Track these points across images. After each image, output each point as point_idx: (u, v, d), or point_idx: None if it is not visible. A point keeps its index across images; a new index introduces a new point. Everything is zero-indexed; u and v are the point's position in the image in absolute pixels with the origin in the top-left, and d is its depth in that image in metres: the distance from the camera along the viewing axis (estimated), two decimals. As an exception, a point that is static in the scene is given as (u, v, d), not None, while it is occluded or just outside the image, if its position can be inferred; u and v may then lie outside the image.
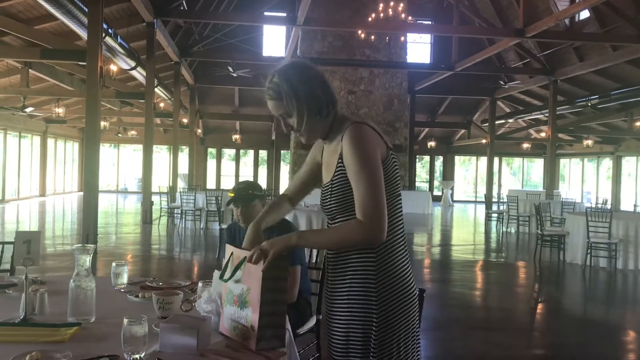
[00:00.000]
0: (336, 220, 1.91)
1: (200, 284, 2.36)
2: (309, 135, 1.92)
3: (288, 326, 2.19)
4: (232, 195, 3.27)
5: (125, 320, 1.74)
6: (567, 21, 14.79)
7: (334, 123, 1.93)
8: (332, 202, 1.90)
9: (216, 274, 2.02)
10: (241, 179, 26.21)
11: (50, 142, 22.28)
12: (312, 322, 3.29)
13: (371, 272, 1.84)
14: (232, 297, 1.91)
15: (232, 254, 1.94)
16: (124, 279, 2.72)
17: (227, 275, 1.91)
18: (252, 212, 3.22)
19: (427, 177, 27.11)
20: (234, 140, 24.33)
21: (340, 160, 1.86)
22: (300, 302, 3.22)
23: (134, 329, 1.73)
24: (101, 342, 1.90)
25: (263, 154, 26.46)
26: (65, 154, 24.22)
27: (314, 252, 3.81)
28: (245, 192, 3.24)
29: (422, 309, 2.27)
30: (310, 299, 3.38)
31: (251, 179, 26.06)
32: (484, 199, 18.97)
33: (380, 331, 1.83)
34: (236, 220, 3.40)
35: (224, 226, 9.20)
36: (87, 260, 2.14)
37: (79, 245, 2.15)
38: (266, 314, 1.81)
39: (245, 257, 1.86)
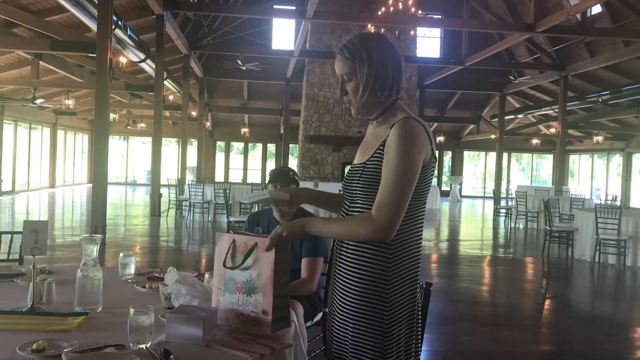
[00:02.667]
0: (356, 205, 1.88)
1: (207, 275, 2.37)
2: (359, 107, 1.89)
3: (294, 318, 2.19)
4: (273, 174, 3.32)
5: (132, 310, 1.75)
6: (578, 16, 14.62)
7: (389, 109, 1.90)
8: (358, 185, 1.86)
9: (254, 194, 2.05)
10: (250, 172, 26.33)
11: (60, 133, 22.39)
12: (319, 315, 3.29)
13: (386, 269, 1.82)
14: (234, 284, 1.90)
15: (234, 241, 1.93)
16: (131, 269, 2.73)
17: (236, 262, 1.91)
18: None
19: (436, 171, 27.01)
20: (242, 133, 24.37)
21: (381, 147, 1.83)
22: (313, 297, 3.22)
23: (140, 319, 1.74)
24: (107, 332, 1.91)
25: (271, 147, 26.47)
26: (75, 145, 24.34)
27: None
28: (287, 174, 3.27)
29: (429, 303, 2.27)
30: (321, 293, 3.38)
31: (259, 173, 26.12)
32: (492, 195, 18.91)
33: (389, 324, 1.82)
34: (260, 210, 3.44)
35: (232, 219, 9.22)
36: (94, 250, 2.15)
37: (87, 235, 2.16)
38: (278, 296, 1.83)
39: (256, 243, 1.86)
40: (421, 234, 1.91)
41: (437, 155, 1.91)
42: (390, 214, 1.74)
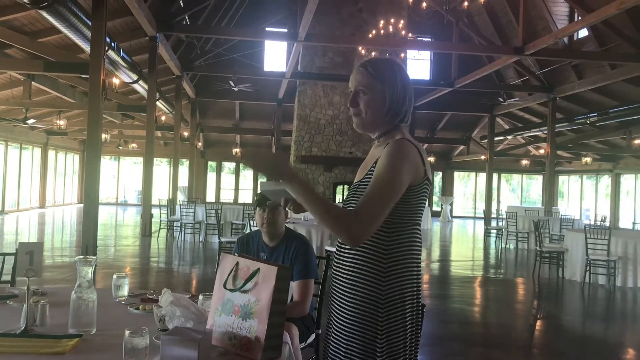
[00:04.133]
0: None
1: (200, 297, 2.38)
2: (366, 122, 1.94)
3: (287, 339, 2.20)
4: (260, 197, 3.17)
5: (127, 332, 1.75)
6: (566, 39, 14.90)
7: (391, 131, 1.95)
8: (352, 202, 1.91)
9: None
10: (241, 192, 26.28)
11: (51, 154, 22.32)
12: (312, 337, 3.29)
13: (380, 292, 1.84)
14: (232, 306, 1.92)
15: (237, 264, 1.96)
16: (125, 291, 2.73)
17: (236, 285, 1.93)
18: (277, 218, 3.16)
19: (426, 192, 27.08)
20: (234, 153, 24.39)
21: (374, 165, 1.87)
22: (306, 319, 3.21)
23: (135, 341, 1.75)
24: (102, 354, 1.91)
25: (263, 167, 26.47)
26: (66, 165, 24.26)
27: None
28: None
29: (422, 324, 2.28)
30: (314, 315, 3.37)
31: (250, 193, 26.08)
32: (482, 215, 18.98)
33: (382, 348, 1.83)
34: (253, 230, 3.38)
35: (224, 239, 9.20)
36: (89, 271, 2.15)
37: (81, 256, 2.17)
38: (272, 325, 1.84)
39: (258, 268, 1.88)
40: (419, 258, 1.91)
41: (431, 177, 1.94)
42: (363, 223, 1.73)
